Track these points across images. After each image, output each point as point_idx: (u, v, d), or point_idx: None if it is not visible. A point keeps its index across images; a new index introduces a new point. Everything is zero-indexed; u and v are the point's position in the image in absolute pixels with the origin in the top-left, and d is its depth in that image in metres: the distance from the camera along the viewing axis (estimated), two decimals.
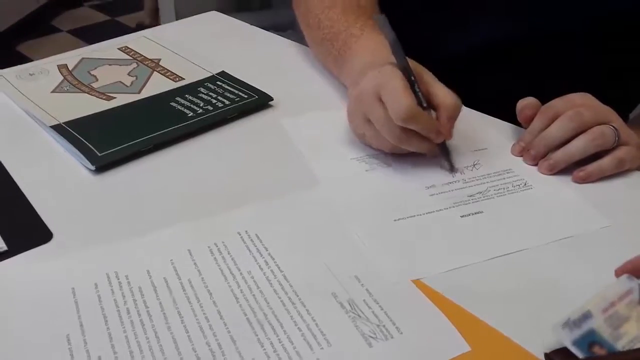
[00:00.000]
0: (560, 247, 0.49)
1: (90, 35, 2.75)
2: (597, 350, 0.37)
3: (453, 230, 0.51)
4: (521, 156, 0.59)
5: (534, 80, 0.70)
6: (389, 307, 0.43)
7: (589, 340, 0.38)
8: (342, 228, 0.51)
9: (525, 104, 0.60)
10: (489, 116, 0.66)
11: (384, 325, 0.42)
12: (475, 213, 0.53)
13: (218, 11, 0.93)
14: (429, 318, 0.43)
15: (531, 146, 0.58)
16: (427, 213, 0.53)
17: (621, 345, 0.37)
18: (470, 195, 0.55)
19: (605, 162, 0.56)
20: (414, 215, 0.52)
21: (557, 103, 0.58)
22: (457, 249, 0.49)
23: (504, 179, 0.57)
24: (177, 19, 1.14)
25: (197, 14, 0.93)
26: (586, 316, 0.39)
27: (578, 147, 0.55)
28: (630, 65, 0.73)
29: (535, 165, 0.58)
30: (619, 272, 0.41)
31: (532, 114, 0.59)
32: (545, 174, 0.57)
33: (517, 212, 0.53)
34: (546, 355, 0.40)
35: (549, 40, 0.69)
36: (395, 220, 0.52)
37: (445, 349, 0.41)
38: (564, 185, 0.56)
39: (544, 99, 0.59)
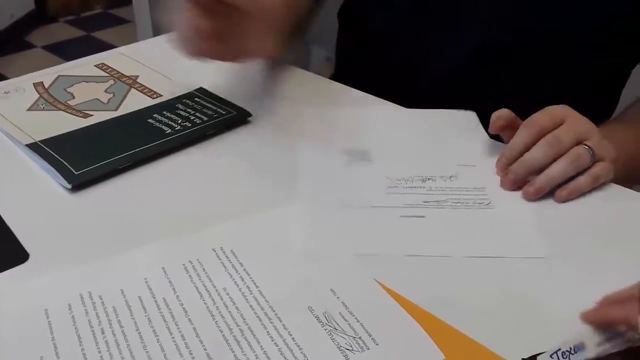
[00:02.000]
0: (539, 259, 0.50)
1: (66, 51, 2.73)
2: None
3: (387, 226, 0.53)
4: (505, 174, 0.59)
5: (534, 82, 0.71)
6: (364, 318, 0.44)
7: None
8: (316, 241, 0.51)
9: (498, 115, 0.61)
10: (486, 133, 0.66)
11: (360, 337, 0.42)
12: (417, 216, 0.53)
13: None
14: (404, 328, 0.43)
15: (510, 170, 0.58)
16: (372, 207, 0.54)
17: None
18: (425, 202, 0.55)
19: (582, 180, 0.57)
20: (364, 207, 0.54)
21: (539, 117, 0.59)
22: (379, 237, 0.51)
23: (470, 195, 0.57)
24: (153, 36, 1.14)
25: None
26: (578, 348, 0.38)
27: (559, 170, 0.57)
28: (630, 66, 0.75)
29: (513, 190, 0.58)
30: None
31: (503, 125, 0.61)
32: (530, 200, 0.57)
33: (458, 223, 0.53)
34: None
35: (549, 41, 0.71)
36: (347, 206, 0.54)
37: (420, 358, 0.41)
38: (526, 210, 0.56)
39: (544, 100, 0.60)
